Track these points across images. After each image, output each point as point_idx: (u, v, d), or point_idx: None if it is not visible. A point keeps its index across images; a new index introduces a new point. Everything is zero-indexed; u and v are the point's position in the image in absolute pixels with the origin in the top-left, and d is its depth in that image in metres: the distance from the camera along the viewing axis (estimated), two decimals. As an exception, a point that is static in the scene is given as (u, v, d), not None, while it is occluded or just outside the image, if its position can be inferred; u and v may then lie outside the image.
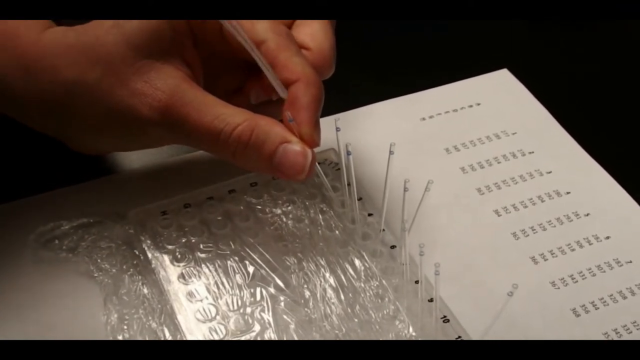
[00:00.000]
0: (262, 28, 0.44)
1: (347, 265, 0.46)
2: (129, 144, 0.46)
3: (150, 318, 0.44)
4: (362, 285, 0.45)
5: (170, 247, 0.46)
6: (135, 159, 0.53)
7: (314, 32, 0.46)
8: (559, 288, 0.47)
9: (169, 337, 0.43)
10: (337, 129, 0.45)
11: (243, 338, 0.43)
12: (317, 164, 0.44)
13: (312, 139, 0.43)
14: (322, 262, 0.46)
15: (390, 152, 0.44)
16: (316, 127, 0.43)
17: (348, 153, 0.45)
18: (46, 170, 0.52)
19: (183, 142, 0.44)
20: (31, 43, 0.42)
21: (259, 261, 0.46)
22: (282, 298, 0.44)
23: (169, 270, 0.45)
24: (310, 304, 0.44)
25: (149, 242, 0.46)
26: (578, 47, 0.66)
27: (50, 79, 0.42)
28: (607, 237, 0.50)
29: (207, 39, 0.44)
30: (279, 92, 0.43)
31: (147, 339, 0.43)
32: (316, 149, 0.43)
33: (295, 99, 0.43)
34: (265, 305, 0.44)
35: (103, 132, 0.44)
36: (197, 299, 0.44)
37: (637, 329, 0.45)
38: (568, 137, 0.56)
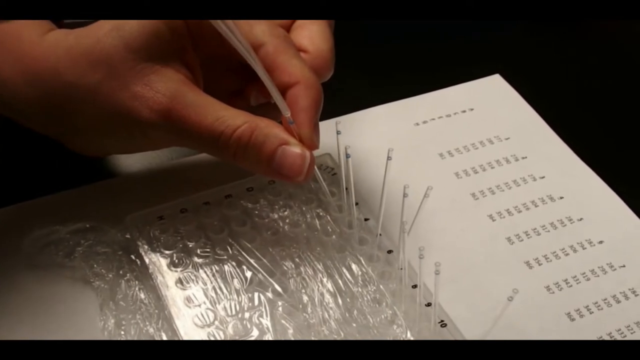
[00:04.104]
0: (260, 31, 0.44)
1: (345, 270, 0.46)
2: (130, 146, 0.46)
3: (147, 323, 0.44)
4: (360, 290, 0.45)
5: (167, 252, 0.46)
6: (131, 164, 0.53)
7: (312, 35, 0.46)
8: (553, 292, 0.47)
9: (166, 343, 0.43)
10: (338, 132, 0.45)
11: (241, 343, 0.43)
12: (315, 168, 0.44)
13: (311, 142, 0.43)
14: (320, 267, 0.46)
15: (388, 158, 0.44)
16: (315, 129, 0.43)
17: (347, 156, 0.45)
18: (42, 175, 0.52)
19: (183, 144, 0.44)
20: (33, 45, 0.42)
21: (256, 266, 0.46)
22: (280, 303, 0.44)
23: (166, 275, 0.45)
24: (309, 308, 0.44)
25: (145, 247, 0.46)
26: (570, 52, 0.66)
27: (51, 82, 0.42)
28: (601, 242, 0.50)
29: (206, 42, 0.44)
30: (278, 104, 0.43)
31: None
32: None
33: (294, 101, 0.43)
34: (263, 310, 0.44)
35: (104, 134, 0.44)
36: (195, 304, 0.44)
37: (631, 333, 0.45)
38: (561, 143, 0.56)
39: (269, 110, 0.46)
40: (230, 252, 0.46)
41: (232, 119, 0.42)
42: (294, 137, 0.43)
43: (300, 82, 0.43)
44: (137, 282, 0.45)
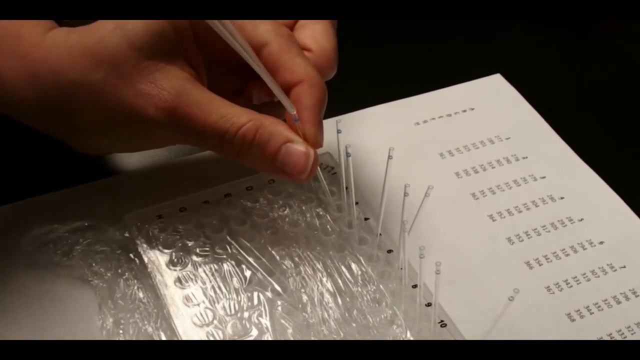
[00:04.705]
0: (264, 30, 0.44)
1: (344, 270, 0.46)
2: (133, 145, 0.46)
3: (146, 322, 0.44)
4: (360, 289, 0.45)
5: (166, 251, 0.46)
6: (130, 162, 0.53)
7: (315, 34, 0.46)
8: (553, 293, 0.47)
9: (165, 342, 0.43)
10: (339, 131, 0.45)
11: (241, 342, 0.43)
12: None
13: (315, 140, 0.43)
14: (319, 267, 0.46)
15: (389, 157, 0.44)
16: (319, 128, 0.43)
17: (347, 155, 0.45)
18: (41, 174, 0.52)
19: (187, 142, 0.44)
20: (34, 44, 0.42)
21: (255, 265, 0.46)
22: (279, 302, 0.44)
23: (165, 274, 0.45)
24: (308, 308, 0.44)
25: (144, 245, 0.46)
26: (571, 52, 0.66)
27: (53, 81, 0.42)
28: (601, 242, 0.50)
29: (209, 41, 0.44)
30: (282, 101, 0.43)
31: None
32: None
33: (298, 100, 0.43)
34: (262, 309, 0.44)
35: (106, 133, 0.44)
36: (194, 303, 0.44)
37: (632, 334, 0.45)
38: (561, 143, 0.56)
39: (272, 108, 0.46)
40: (230, 251, 0.46)
41: (237, 116, 0.42)
42: (298, 135, 0.43)
43: (304, 81, 0.43)
44: (135, 281, 0.45)
